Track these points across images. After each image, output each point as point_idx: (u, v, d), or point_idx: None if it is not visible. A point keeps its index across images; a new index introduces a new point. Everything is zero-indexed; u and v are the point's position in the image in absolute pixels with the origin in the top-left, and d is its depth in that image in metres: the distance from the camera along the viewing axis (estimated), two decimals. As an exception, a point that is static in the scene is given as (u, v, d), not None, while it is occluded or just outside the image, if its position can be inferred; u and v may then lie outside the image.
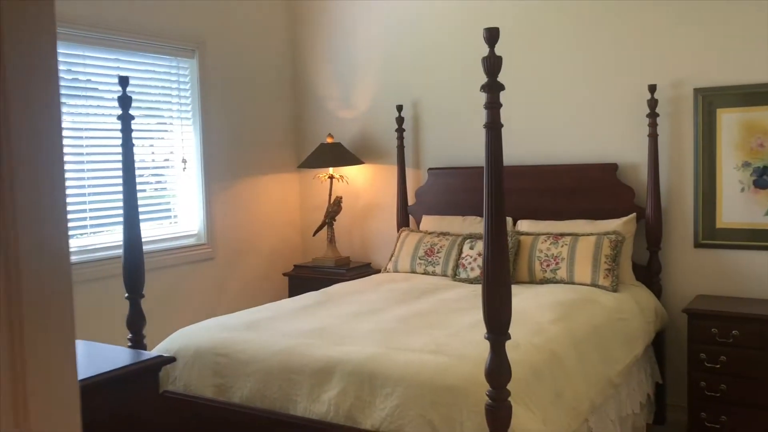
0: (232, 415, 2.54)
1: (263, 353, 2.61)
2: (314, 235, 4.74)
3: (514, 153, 3.92)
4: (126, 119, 2.69)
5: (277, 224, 4.84)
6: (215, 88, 4.35)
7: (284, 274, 4.66)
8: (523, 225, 3.91)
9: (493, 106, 1.93)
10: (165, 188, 4.19)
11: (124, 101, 2.68)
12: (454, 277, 3.82)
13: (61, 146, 0.89)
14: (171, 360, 1.65)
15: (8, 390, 0.84)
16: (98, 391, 1.39)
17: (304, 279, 4.50)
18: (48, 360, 0.87)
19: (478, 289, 2.10)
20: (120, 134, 2.69)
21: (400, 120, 4.44)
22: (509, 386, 2.03)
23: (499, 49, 1.93)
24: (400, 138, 4.44)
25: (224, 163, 4.42)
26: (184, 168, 4.21)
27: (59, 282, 0.88)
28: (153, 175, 4.10)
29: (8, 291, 0.83)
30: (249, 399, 2.55)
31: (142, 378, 1.53)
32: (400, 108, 4.44)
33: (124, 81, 2.70)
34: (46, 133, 0.88)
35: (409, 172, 4.53)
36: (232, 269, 4.49)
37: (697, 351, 3.35)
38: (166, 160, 4.15)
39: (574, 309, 3.07)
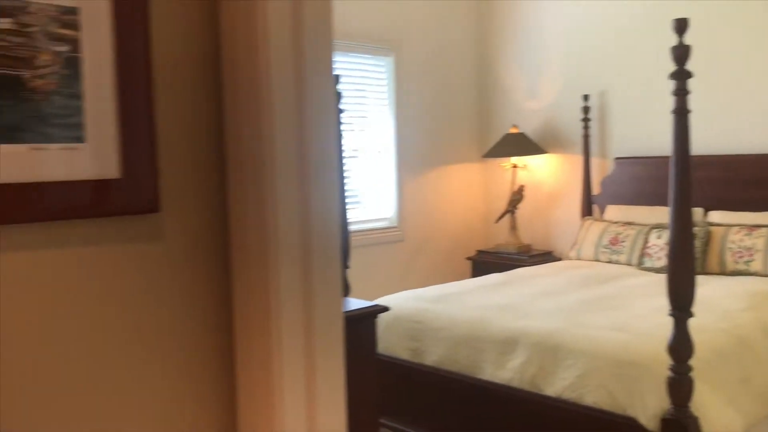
0: (425, 375, 2.85)
1: (453, 322, 2.88)
2: (497, 222, 4.94)
3: (707, 142, 3.83)
4: (339, 113, 3.08)
5: (461, 211, 5.11)
6: (409, 83, 4.70)
7: (467, 258, 4.92)
8: (715, 216, 3.81)
9: (681, 93, 2.02)
10: (352, 176, 4.52)
11: (337, 96, 3.07)
12: (640, 265, 3.83)
13: (340, 147, 1.14)
14: (386, 309, 1.95)
15: (301, 325, 1.11)
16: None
17: (486, 263, 4.71)
18: (328, 309, 1.15)
19: (664, 278, 2.16)
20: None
21: (585, 109, 4.49)
22: (693, 364, 2.11)
23: (690, 37, 2.01)
24: (586, 128, 4.50)
25: (415, 153, 4.77)
26: (380, 158, 4.61)
27: (334, 256, 1.15)
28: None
29: (304, 266, 1.11)
30: (440, 362, 2.83)
31: (364, 323, 1.84)
32: (586, 97, 4.49)
33: (336, 78, 3.09)
34: (330, 138, 1.14)
35: (594, 162, 4.56)
36: (420, 251, 4.83)
37: None
38: (355, 150, 4.55)
39: (767, 299, 2.99)
